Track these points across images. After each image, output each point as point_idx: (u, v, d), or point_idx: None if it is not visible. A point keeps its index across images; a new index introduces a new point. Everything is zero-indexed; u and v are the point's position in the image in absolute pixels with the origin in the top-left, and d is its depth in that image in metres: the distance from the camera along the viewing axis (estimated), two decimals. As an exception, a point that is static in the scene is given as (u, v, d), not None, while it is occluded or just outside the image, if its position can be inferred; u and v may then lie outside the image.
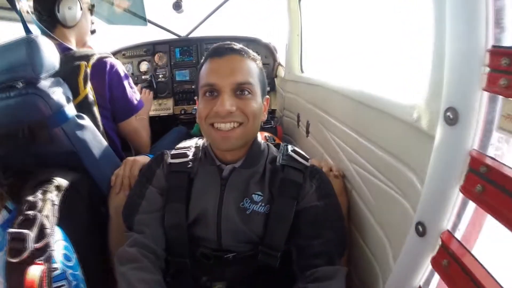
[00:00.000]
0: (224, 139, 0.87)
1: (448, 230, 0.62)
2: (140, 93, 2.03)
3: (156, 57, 2.53)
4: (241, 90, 0.86)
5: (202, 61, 0.95)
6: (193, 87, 2.53)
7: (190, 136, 2.31)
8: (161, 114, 2.54)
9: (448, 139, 0.57)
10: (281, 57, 2.45)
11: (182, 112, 2.55)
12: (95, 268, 1.07)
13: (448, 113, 0.56)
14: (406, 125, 0.75)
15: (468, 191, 0.55)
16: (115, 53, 2.52)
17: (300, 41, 2.14)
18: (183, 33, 2.60)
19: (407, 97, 0.79)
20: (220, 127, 0.86)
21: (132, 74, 2.52)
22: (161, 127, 2.51)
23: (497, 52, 0.48)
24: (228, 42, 0.92)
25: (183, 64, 2.52)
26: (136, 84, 2.23)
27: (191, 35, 2.61)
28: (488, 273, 0.53)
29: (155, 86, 2.42)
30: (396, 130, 0.80)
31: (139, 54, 2.52)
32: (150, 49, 2.51)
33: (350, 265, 1.08)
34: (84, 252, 0.96)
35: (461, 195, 0.58)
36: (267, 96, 0.97)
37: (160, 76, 2.53)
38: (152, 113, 2.34)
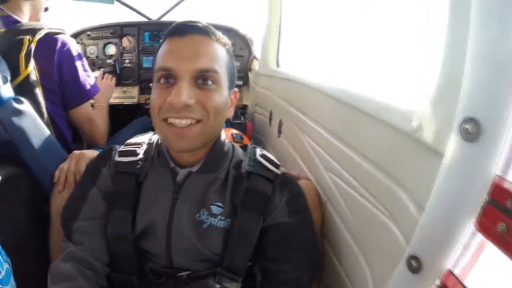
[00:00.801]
0: (178, 137, 0.71)
1: (450, 270, 0.50)
2: (102, 78, 1.90)
3: (124, 41, 2.32)
4: (203, 78, 0.71)
5: (161, 41, 0.79)
6: None
7: (152, 129, 2.14)
8: (124, 103, 2.33)
9: (464, 159, 0.44)
10: (257, 51, 2.31)
11: (148, 102, 2.33)
12: (33, 279, 0.92)
13: (467, 126, 0.43)
14: (401, 134, 0.61)
15: (485, 228, 0.43)
16: (78, 34, 2.31)
17: (279, 33, 2.00)
18: (154, 16, 2.42)
19: (404, 101, 0.65)
20: (174, 123, 0.70)
21: (97, 57, 2.32)
22: (124, 117, 2.35)
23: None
24: (193, 20, 0.76)
25: (152, 50, 2.32)
26: (99, 68, 2.11)
27: (163, 19, 2.43)
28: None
29: (118, 72, 2.22)
30: (387, 139, 0.67)
31: (105, 36, 2.31)
32: (117, 31, 2.30)
33: (321, 285, 0.96)
34: (20, 261, 0.82)
35: (471, 229, 0.46)
36: (236, 89, 0.82)
37: (126, 61, 2.32)
38: (114, 101, 2.17)
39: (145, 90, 2.37)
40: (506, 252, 0.40)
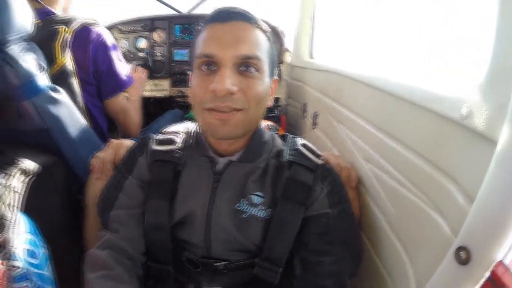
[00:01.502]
0: (221, 123, 0.70)
1: (501, 262, 0.48)
2: (134, 71, 1.91)
3: (154, 34, 2.37)
4: (246, 65, 0.69)
5: (200, 28, 0.78)
6: (191, 67, 2.38)
7: (185, 120, 2.19)
8: (156, 96, 2.39)
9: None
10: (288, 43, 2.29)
11: (179, 95, 2.40)
12: (68, 267, 0.93)
13: (524, 110, 0.41)
14: (449, 122, 0.59)
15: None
16: (109, 28, 2.35)
17: (312, 24, 1.98)
18: (184, 9, 2.44)
19: (450, 87, 0.63)
20: (217, 108, 0.69)
21: (128, 51, 2.37)
22: (155, 109, 2.43)
23: None
24: (234, 6, 0.74)
25: (183, 43, 2.37)
26: (131, 62, 2.11)
27: (193, 12, 2.44)
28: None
29: (150, 65, 2.27)
30: (434, 128, 0.65)
31: (136, 30, 2.36)
32: (148, 25, 2.35)
33: (357, 281, 0.95)
34: (56, 248, 0.83)
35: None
36: (276, 77, 0.80)
37: (158, 54, 2.37)
38: (146, 93, 2.22)
39: (176, 83, 2.41)
40: None
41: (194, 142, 0.84)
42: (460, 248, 0.52)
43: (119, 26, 2.35)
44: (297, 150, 0.82)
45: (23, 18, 0.92)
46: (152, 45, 2.35)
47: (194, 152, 0.83)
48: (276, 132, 1.66)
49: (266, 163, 0.81)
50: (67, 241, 1.01)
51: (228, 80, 0.66)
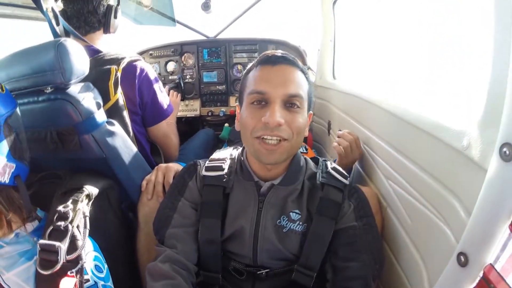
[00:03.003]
0: (268, 153, 0.84)
1: (491, 264, 0.62)
2: (168, 95, 2.00)
3: (184, 58, 2.54)
4: (291, 102, 0.84)
5: (249, 67, 0.93)
6: (220, 87, 2.56)
7: (218, 139, 2.38)
8: (187, 115, 2.57)
9: (502, 176, 0.56)
10: (310, 62, 2.43)
11: (209, 114, 2.58)
12: (124, 278, 1.06)
13: (505, 149, 0.55)
14: (454, 151, 0.73)
15: (518, 229, 0.55)
16: (141, 53, 2.55)
17: (333, 47, 2.12)
18: (211, 34, 2.62)
19: (456, 121, 0.77)
20: (266, 139, 0.84)
21: (159, 74, 2.53)
22: (187, 128, 2.59)
23: None
24: (281, 51, 0.90)
25: (210, 66, 2.54)
26: (163, 85, 2.24)
27: (219, 36, 2.62)
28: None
29: (183, 88, 2.42)
30: (442, 153, 0.79)
31: (166, 54, 2.55)
32: (177, 49, 2.54)
33: (380, 283, 1.08)
34: (113, 262, 0.94)
35: (508, 232, 0.58)
36: (311, 112, 0.95)
37: (188, 77, 2.55)
38: (178, 114, 2.35)
39: (206, 103, 2.60)
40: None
41: (239, 167, 0.98)
42: (460, 253, 0.66)
43: (151, 52, 2.54)
44: (328, 173, 0.96)
45: (82, 64, 1.02)
46: (182, 68, 2.54)
47: (240, 177, 0.96)
48: (305, 150, 1.80)
49: (302, 185, 0.95)
50: (121, 254, 1.11)
51: (278, 114, 0.81)
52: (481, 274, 0.62)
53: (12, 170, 0.81)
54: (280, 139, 0.84)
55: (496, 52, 0.61)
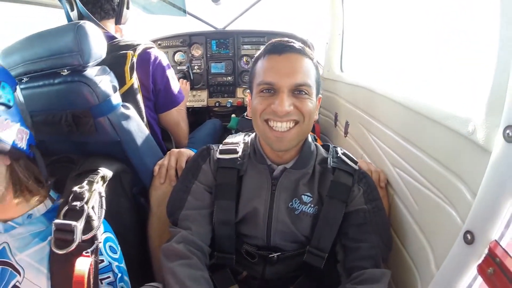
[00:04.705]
0: (278, 140, 0.88)
1: (496, 240, 0.65)
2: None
3: (192, 49, 2.56)
4: (299, 90, 0.86)
5: (257, 55, 0.95)
6: (227, 78, 2.58)
7: (225, 129, 2.42)
8: (194, 106, 2.60)
9: (506, 156, 0.60)
10: (316, 55, 2.44)
11: (217, 105, 2.61)
12: (135, 260, 1.07)
13: (508, 131, 0.59)
14: (460, 136, 0.77)
15: (521, 206, 0.58)
16: None
17: (341, 40, 2.14)
18: (220, 25, 2.63)
19: (462, 108, 0.80)
20: (276, 127, 0.87)
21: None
22: (194, 118, 2.59)
23: None
24: (287, 39, 0.91)
25: (219, 57, 2.57)
26: None
27: (228, 28, 2.64)
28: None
29: (192, 77, 2.45)
30: (448, 140, 0.82)
31: (175, 45, 2.57)
32: (186, 40, 2.56)
33: (387, 268, 1.11)
34: (125, 246, 0.94)
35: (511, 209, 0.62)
36: (320, 95, 0.97)
37: (196, 67, 2.58)
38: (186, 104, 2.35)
39: (213, 94, 2.62)
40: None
41: (252, 151, 1.01)
42: (467, 232, 0.70)
43: (159, 42, 2.56)
44: (339, 158, 0.99)
45: (100, 47, 1.03)
46: (190, 59, 2.56)
47: (253, 160, 1.00)
48: (315, 141, 1.83)
49: (313, 169, 0.98)
50: (132, 238, 1.12)
51: (286, 103, 0.85)
52: (486, 251, 0.66)
53: (27, 137, 0.80)
54: (290, 127, 0.87)
55: (501, 45, 0.65)
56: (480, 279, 0.70)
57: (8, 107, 0.76)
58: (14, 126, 0.78)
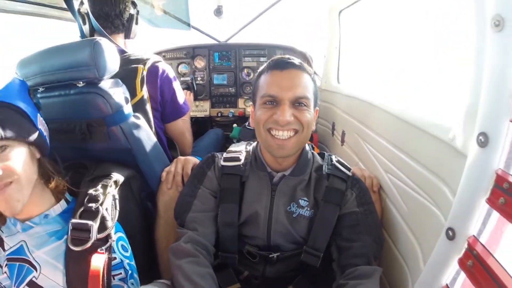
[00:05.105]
0: (279, 147, 0.95)
1: (474, 235, 0.73)
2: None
3: (196, 60, 2.65)
4: (298, 102, 0.94)
5: (260, 70, 1.03)
6: (229, 89, 2.67)
7: (227, 139, 2.49)
8: (197, 116, 2.67)
9: (479, 159, 0.68)
10: (315, 67, 2.52)
11: (219, 115, 2.68)
12: (143, 261, 1.12)
13: (480, 137, 0.67)
14: (442, 143, 0.85)
15: (492, 202, 0.66)
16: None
17: (338, 53, 2.24)
18: (222, 38, 2.72)
19: (444, 119, 0.89)
20: (277, 135, 0.94)
21: None
22: (197, 129, 2.59)
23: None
24: (288, 56, 1.00)
25: (221, 69, 2.66)
26: None
27: (230, 41, 2.73)
28: (507, 272, 0.64)
29: (195, 88, 2.49)
30: (432, 146, 0.91)
31: (179, 57, 2.66)
32: (190, 52, 2.64)
33: (380, 265, 1.18)
34: (133, 248, 1.01)
35: (486, 206, 0.69)
36: (317, 108, 1.05)
37: (199, 79, 2.66)
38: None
39: (215, 104, 2.70)
40: (505, 216, 0.64)
41: (254, 159, 1.09)
42: (449, 229, 0.78)
43: (164, 54, 2.64)
44: (333, 165, 1.07)
45: (114, 62, 1.10)
46: (194, 70, 2.65)
47: (254, 168, 1.07)
48: (312, 149, 1.90)
49: (310, 176, 1.06)
50: (140, 241, 1.17)
51: (287, 114, 0.93)
52: (466, 245, 0.74)
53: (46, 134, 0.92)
54: (290, 135, 0.95)
55: (475, 63, 0.73)
56: (464, 274, 0.76)
57: (40, 108, 0.88)
58: (45, 126, 0.89)
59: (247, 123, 2.19)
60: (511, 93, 0.61)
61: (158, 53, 2.65)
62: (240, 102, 2.70)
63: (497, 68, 0.65)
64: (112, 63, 1.10)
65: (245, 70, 2.65)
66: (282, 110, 0.93)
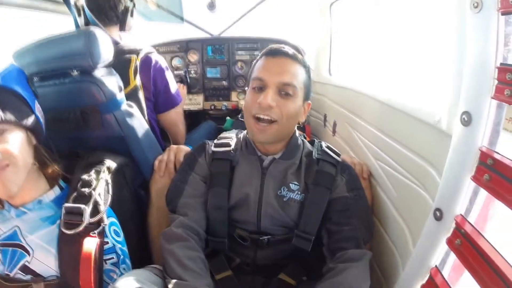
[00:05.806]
0: (260, 132, 0.97)
1: (461, 214, 0.74)
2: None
3: (189, 54, 2.65)
4: (285, 91, 0.95)
5: (258, 57, 1.05)
6: (222, 83, 2.69)
7: (220, 131, 2.48)
8: (191, 109, 2.67)
9: (463, 138, 0.69)
10: (307, 60, 2.51)
11: (212, 108, 2.69)
12: (135, 247, 1.12)
13: (464, 116, 0.68)
14: (428, 126, 0.86)
15: (478, 179, 0.67)
16: None
17: (330, 46, 2.25)
18: (216, 32, 2.72)
19: (430, 103, 0.90)
20: (260, 117, 0.95)
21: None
22: (190, 121, 2.60)
23: (504, 68, 0.60)
24: (283, 45, 1.02)
25: (214, 62, 2.66)
26: None
27: (223, 35, 2.72)
28: (495, 249, 0.65)
29: (188, 81, 2.50)
30: (419, 130, 0.92)
31: (172, 50, 2.65)
32: (183, 46, 2.63)
33: (371, 251, 1.19)
34: (126, 235, 1.02)
35: (472, 184, 0.70)
36: (309, 101, 1.06)
37: (192, 72, 2.66)
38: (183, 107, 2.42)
39: (209, 97, 2.70)
40: (490, 192, 0.65)
41: (244, 144, 1.10)
42: (436, 209, 0.79)
43: (158, 47, 2.60)
44: (323, 150, 1.08)
45: (108, 51, 1.13)
46: (187, 64, 2.65)
47: (245, 152, 1.09)
48: (304, 138, 1.92)
49: (300, 160, 1.07)
50: (133, 228, 1.16)
51: (270, 97, 0.94)
52: (454, 225, 0.75)
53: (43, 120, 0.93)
54: (272, 120, 0.96)
55: (457, 44, 0.75)
56: (453, 255, 0.78)
57: (38, 96, 0.91)
58: (42, 113, 0.92)
59: (240, 116, 2.19)
60: (492, 71, 0.62)
61: (152, 47, 2.61)
62: (233, 95, 2.70)
63: (477, 47, 0.66)
64: (106, 52, 1.11)
65: (238, 64, 2.65)
66: (266, 94, 0.94)
